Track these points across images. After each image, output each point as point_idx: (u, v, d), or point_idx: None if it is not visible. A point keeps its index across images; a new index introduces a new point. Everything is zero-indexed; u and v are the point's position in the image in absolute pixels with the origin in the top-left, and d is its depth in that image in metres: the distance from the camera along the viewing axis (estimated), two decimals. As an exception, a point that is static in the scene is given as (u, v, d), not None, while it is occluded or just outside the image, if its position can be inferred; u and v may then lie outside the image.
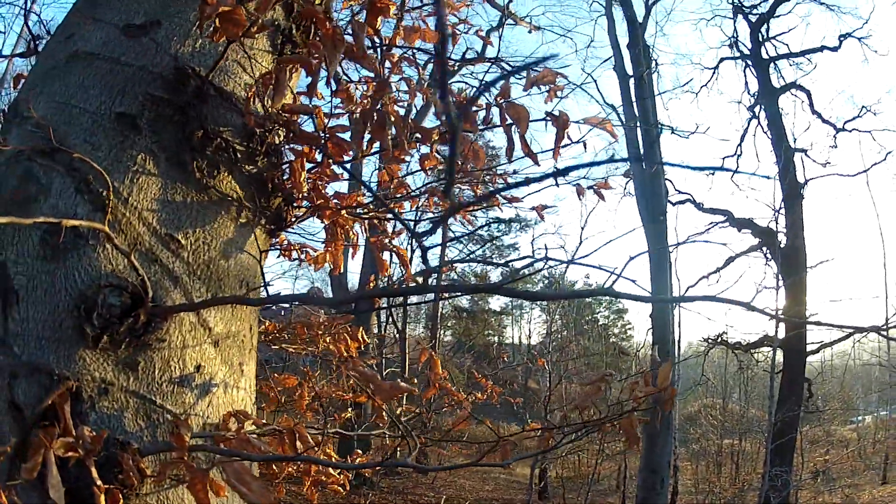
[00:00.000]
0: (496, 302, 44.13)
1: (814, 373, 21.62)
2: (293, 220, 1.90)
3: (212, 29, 1.46)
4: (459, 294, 29.57)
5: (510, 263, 30.72)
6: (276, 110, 1.72)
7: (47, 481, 1.15)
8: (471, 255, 30.97)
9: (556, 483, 22.39)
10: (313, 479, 2.61)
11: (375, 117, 1.71)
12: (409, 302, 23.29)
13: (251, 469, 1.27)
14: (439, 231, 26.55)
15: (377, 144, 1.89)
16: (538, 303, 42.81)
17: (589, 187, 2.54)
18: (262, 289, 1.83)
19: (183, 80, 1.53)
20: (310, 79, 1.68)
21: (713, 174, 22.84)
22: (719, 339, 19.31)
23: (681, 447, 24.27)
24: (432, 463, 21.60)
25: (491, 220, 32.83)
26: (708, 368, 24.06)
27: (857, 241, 78.73)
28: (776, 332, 15.33)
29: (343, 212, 2.15)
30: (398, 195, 2.54)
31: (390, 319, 25.56)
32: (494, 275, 40.47)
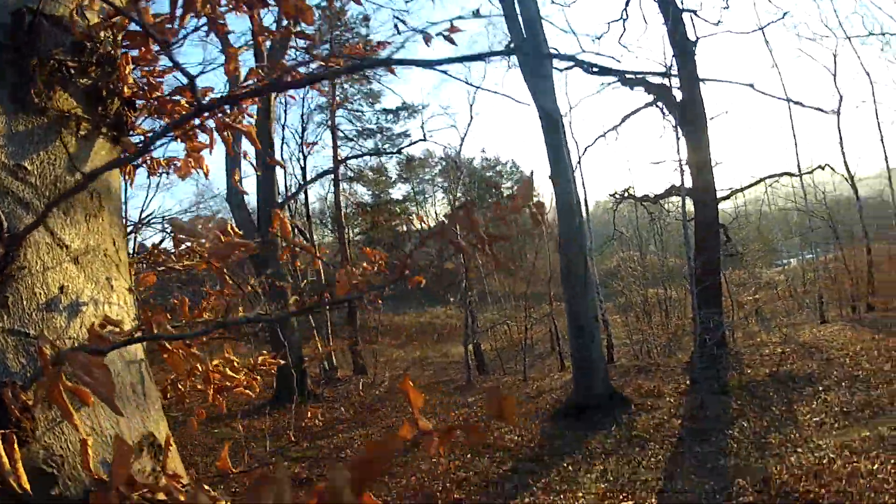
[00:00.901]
0: (397, 192, 44.13)
1: (728, 219, 22.65)
2: (134, 121, 1.89)
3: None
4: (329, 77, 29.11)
5: (402, 150, 30.59)
6: (100, 19, 1.72)
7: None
8: (363, 151, 30.55)
9: (492, 356, 23.07)
10: (216, 387, 2.61)
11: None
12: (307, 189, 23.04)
13: (102, 362, 1.25)
14: (328, 133, 26.12)
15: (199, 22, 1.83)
16: (442, 183, 43.03)
17: (438, 34, 2.53)
18: (116, 194, 1.82)
19: (19, 23, 1.55)
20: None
21: (599, 38, 23.09)
22: (626, 193, 19.92)
23: (607, 302, 25.33)
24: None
25: (379, 111, 32.42)
26: (620, 223, 24.93)
27: (759, 97, 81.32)
28: (682, 181, 15.93)
29: (179, 100, 2.10)
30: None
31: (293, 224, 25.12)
32: (390, 164, 40.34)
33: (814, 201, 23.65)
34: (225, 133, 2.31)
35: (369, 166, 35.98)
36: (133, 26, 1.85)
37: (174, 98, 2.09)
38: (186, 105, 2.13)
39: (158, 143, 2.02)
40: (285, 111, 27.91)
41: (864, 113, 75.22)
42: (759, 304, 23.81)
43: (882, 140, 23.66)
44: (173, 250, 3.19)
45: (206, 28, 1.95)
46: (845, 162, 21.73)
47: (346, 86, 27.37)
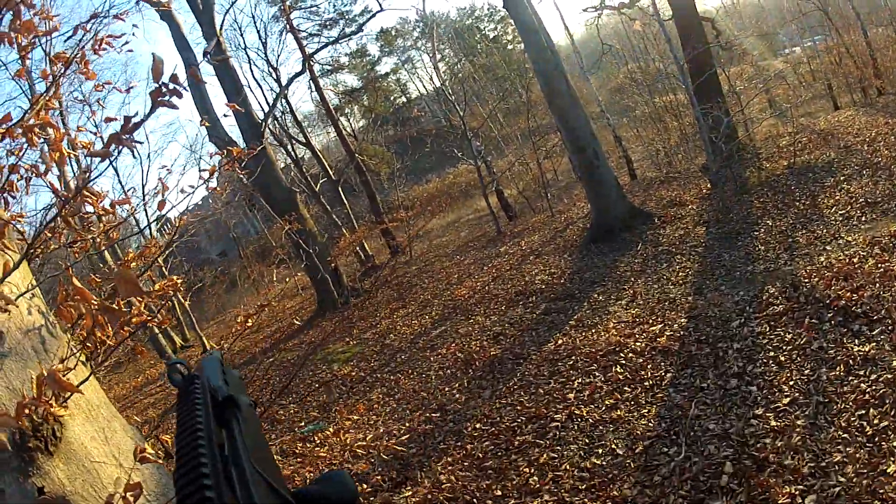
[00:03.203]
0: (385, 67, 43.08)
1: (711, 13, 21.51)
2: None
3: None
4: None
5: (363, 26, 29.50)
6: None
7: None
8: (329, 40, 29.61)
9: (517, 200, 22.94)
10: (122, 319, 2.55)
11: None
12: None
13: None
14: (291, 38, 25.23)
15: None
16: (425, 46, 41.76)
17: None
18: None
19: None
20: None
21: None
22: (602, 3, 18.99)
23: (620, 119, 24.75)
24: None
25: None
26: (610, 37, 23.91)
27: None
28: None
29: None
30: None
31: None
32: (371, 46, 39.18)
33: None
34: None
35: (346, 54, 35.02)
36: None
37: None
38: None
39: None
40: (241, 34, 26.92)
41: None
42: (769, 95, 23.07)
43: None
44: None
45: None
46: None
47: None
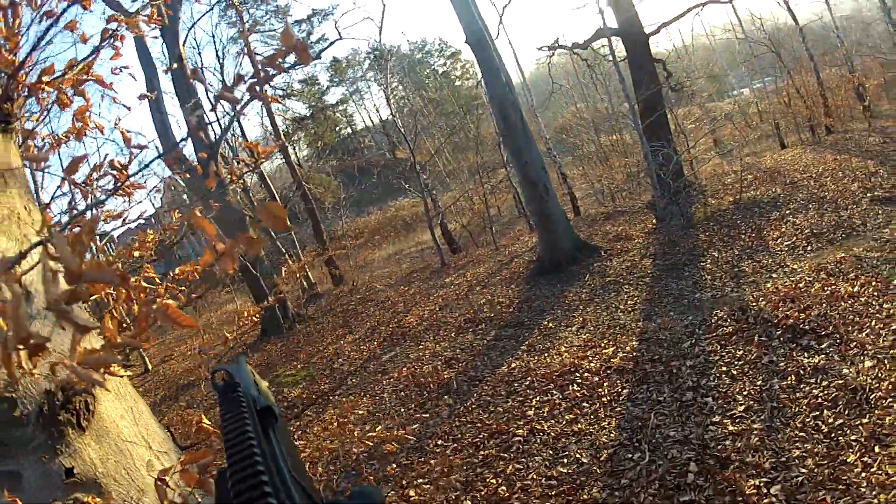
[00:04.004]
0: (332, 97, 43.27)
1: (665, 55, 22.27)
2: (17, 110, 2.11)
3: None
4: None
5: (321, 54, 29.72)
6: None
7: None
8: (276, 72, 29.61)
9: (460, 232, 23.19)
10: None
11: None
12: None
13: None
14: (247, 61, 25.24)
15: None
16: (374, 77, 42.12)
17: None
18: (19, 171, 2.10)
19: None
20: None
21: None
22: (556, 44, 19.52)
23: (566, 157, 25.30)
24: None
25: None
26: (561, 78, 24.51)
27: None
28: (603, 22, 15.65)
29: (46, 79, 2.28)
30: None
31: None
32: (320, 74, 39.29)
33: (753, 29, 23.41)
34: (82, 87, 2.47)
35: (299, 81, 35.11)
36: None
37: (41, 81, 2.28)
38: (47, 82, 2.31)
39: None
40: (199, 53, 26.89)
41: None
42: (716, 136, 23.98)
43: None
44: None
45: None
46: None
47: (251, 11, 26.51)
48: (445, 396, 8.06)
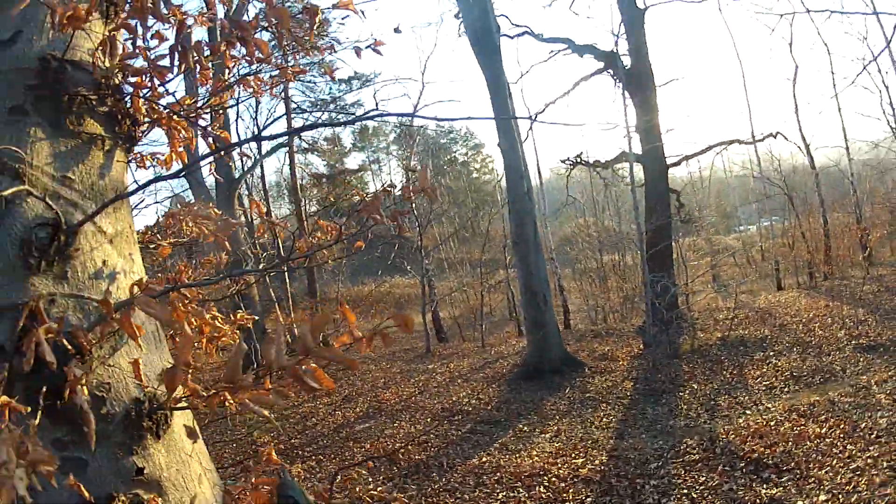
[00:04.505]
0: (353, 161, 44.18)
1: (680, 185, 23.00)
2: (141, 134, 2.41)
3: (60, 25, 1.98)
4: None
5: (357, 121, 30.56)
6: (113, 63, 2.25)
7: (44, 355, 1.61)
8: (316, 121, 30.44)
9: (450, 323, 23.48)
10: (208, 337, 3.05)
11: (180, 48, 2.32)
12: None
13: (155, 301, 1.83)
14: (282, 105, 26.03)
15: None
16: (397, 152, 43.11)
17: (367, 47, 2.91)
18: (129, 192, 2.34)
19: (46, 66, 2.04)
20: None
21: (550, 5, 23.26)
22: (578, 158, 20.28)
23: (564, 268, 25.75)
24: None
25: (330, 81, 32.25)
26: (575, 190, 25.21)
27: (711, 63, 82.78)
28: (629, 147, 16.33)
29: (174, 116, 2.64)
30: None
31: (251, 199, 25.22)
32: (345, 134, 40.21)
33: (770, 169, 24.10)
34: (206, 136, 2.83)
35: (323, 137, 35.98)
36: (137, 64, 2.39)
37: (171, 112, 2.61)
38: (177, 116, 2.66)
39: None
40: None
41: (819, 83, 76.15)
42: (715, 270, 24.42)
43: (839, 110, 24.21)
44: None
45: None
46: (801, 130, 21.98)
47: (297, 58, 27.24)
48: (415, 476, 8.26)
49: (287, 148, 25.38)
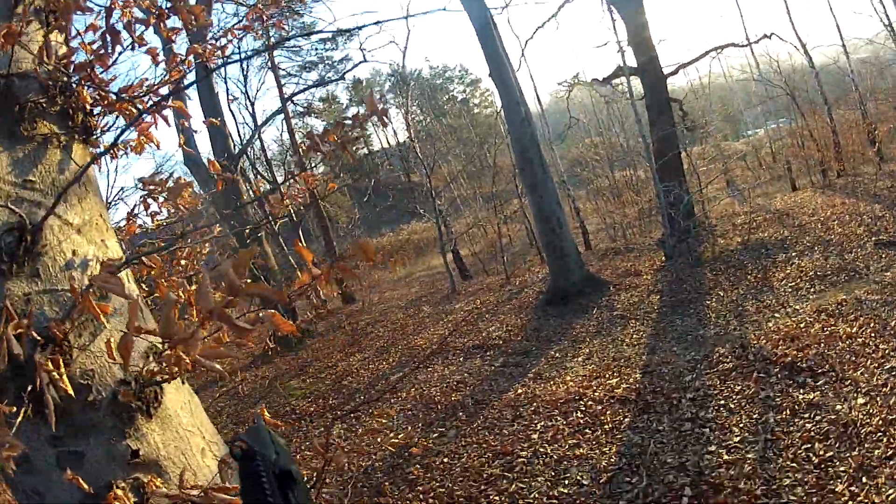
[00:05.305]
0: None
1: (681, 94, 22.54)
2: (96, 122, 2.43)
3: (-1, 44, 2.01)
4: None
5: (345, 76, 30.11)
6: (55, 64, 2.25)
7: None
8: (308, 84, 30.11)
9: (471, 259, 23.45)
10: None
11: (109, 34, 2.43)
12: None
13: (115, 276, 1.82)
14: (270, 75, 25.76)
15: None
16: (394, 100, 42.64)
17: None
18: (95, 181, 2.39)
19: None
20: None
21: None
22: (576, 79, 19.93)
23: (578, 190, 25.53)
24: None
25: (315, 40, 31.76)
26: (577, 111, 24.85)
27: None
28: (623, 61, 15.97)
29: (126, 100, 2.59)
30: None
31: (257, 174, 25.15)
32: (340, 92, 39.81)
33: (769, 71, 23.58)
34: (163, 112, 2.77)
35: (318, 98, 35.62)
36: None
37: (121, 98, 2.57)
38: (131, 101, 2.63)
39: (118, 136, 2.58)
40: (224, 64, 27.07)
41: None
42: (728, 175, 24.12)
43: (831, 9, 23.51)
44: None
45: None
46: (795, 30, 21.38)
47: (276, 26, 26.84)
48: (452, 418, 8.31)
49: (282, 115, 25.12)
